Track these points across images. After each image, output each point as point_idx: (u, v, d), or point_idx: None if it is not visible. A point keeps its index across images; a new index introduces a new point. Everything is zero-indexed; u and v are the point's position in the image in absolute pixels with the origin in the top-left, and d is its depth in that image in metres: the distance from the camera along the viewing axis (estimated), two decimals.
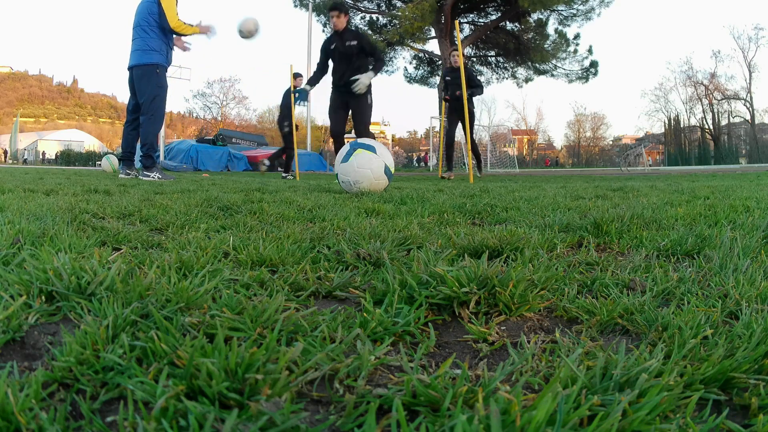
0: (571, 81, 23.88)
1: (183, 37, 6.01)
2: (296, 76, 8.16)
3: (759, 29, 39.22)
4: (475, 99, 7.53)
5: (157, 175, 5.80)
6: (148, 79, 5.75)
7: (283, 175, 8.42)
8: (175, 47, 6.05)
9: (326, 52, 5.90)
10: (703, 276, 1.03)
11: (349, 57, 5.66)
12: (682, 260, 1.23)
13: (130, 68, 5.86)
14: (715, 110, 42.57)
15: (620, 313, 0.79)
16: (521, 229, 1.57)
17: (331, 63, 5.92)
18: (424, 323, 0.77)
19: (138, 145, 6.14)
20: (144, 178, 5.71)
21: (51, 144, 46.32)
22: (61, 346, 0.63)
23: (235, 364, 0.54)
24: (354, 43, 5.63)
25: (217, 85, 51.25)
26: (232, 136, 24.40)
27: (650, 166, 17.86)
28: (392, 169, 3.58)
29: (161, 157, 15.46)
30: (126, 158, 6.11)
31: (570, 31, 22.89)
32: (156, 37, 5.78)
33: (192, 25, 5.88)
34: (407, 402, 0.52)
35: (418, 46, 23.94)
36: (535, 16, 22.20)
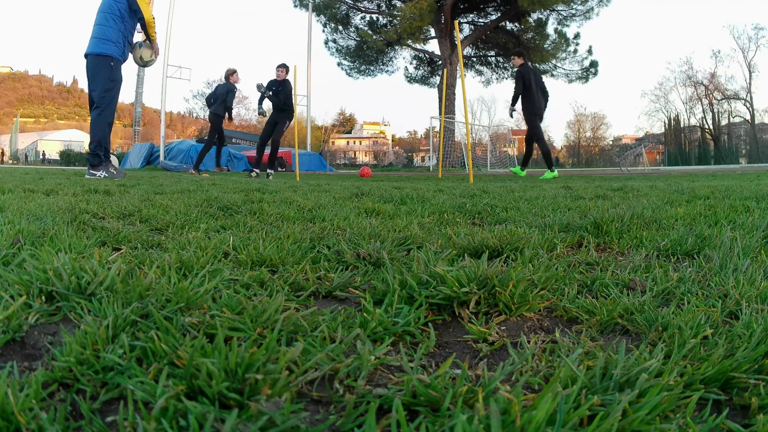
0: (571, 81, 23.88)
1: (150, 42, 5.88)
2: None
3: (759, 29, 39.13)
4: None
5: (104, 173, 5.50)
6: (100, 70, 5.41)
7: None
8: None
9: None
10: (703, 276, 1.03)
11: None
12: (682, 260, 1.23)
13: (86, 56, 5.53)
14: (715, 110, 42.51)
15: (620, 313, 0.79)
16: (521, 229, 1.57)
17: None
18: (424, 323, 0.77)
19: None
20: (88, 177, 5.29)
21: (51, 144, 46.34)
22: (61, 346, 0.63)
23: (235, 364, 0.54)
24: None
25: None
26: (232, 136, 24.37)
27: (647, 167, 17.85)
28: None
29: (161, 157, 15.24)
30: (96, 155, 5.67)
31: (570, 31, 22.89)
32: (115, 28, 5.45)
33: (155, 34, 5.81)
34: (407, 402, 0.52)
35: (418, 46, 23.93)
36: (534, 16, 22.19)
